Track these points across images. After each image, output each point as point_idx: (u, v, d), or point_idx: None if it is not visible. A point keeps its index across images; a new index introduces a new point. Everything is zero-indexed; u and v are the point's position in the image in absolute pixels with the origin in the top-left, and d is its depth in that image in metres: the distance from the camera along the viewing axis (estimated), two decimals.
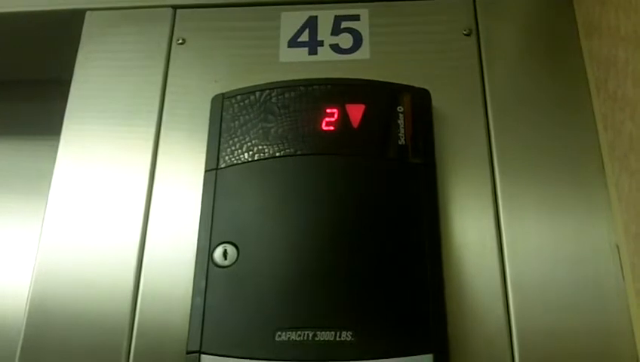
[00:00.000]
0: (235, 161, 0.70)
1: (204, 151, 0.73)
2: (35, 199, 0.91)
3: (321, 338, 0.61)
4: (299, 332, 0.62)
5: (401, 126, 0.70)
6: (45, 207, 0.75)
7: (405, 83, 0.74)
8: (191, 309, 0.65)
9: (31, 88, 1.03)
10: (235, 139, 0.71)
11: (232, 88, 0.76)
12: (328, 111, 0.71)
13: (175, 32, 0.83)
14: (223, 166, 0.70)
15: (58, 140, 0.79)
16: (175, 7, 0.85)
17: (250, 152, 0.70)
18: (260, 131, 0.71)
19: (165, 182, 0.75)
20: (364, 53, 0.80)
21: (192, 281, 0.66)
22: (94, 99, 0.81)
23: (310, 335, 0.61)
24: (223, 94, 0.75)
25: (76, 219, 0.73)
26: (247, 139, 0.71)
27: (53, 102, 0.83)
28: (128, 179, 0.75)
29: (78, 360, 0.67)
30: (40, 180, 0.80)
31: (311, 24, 0.82)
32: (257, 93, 0.74)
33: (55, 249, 0.72)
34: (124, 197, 0.74)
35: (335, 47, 0.81)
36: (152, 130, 0.78)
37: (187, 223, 0.71)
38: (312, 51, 0.81)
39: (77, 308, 0.69)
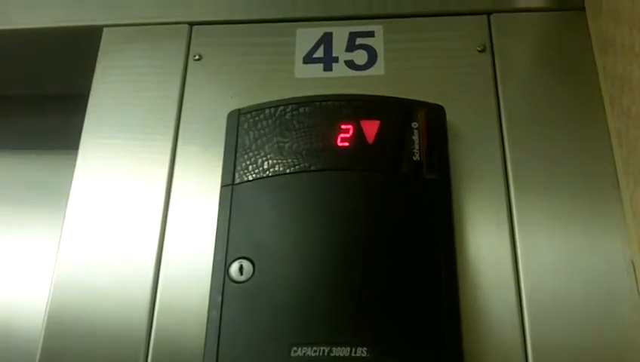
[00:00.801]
0: (250, 177, 0.71)
1: (220, 167, 0.73)
2: (52, 213, 0.92)
3: (337, 354, 0.61)
4: (314, 348, 0.62)
5: (416, 142, 0.71)
6: (63, 220, 0.75)
7: (420, 99, 0.74)
8: (207, 324, 0.65)
9: (49, 103, 1.04)
10: (251, 155, 0.72)
11: (248, 104, 0.76)
12: (343, 127, 0.71)
13: (191, 48, 0.84)
14: (238, 181, 0.71)
15: (76, 154, 0.80)
16: (191, 24, 0.86)
17: (266, 168, 0.71)
18: (276, 147, 0.72)
19: (182, 197, 0.75)
20: (378, 69, 0.80)
21: (208, 295, 0.66)
22: (111, 114, 0.82)
23: (326, 350, 0.62)
24: (239, 110, 0.75)
25: (94, 232, 0.74)
26: (262, 155, 0.71)
27: (71, 116, 0.83)
28: (145, 194, 0.76)
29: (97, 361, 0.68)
30: (58, 194, 0.80)
31: (326, 40, 0.83)
32: (273, 109, 0.74)
33: (73, 262, 0.73)
34: (141, 212, 0.75)
35: (350, 64, 0.81)
36: (169, 145, 0.78)
37: (203, 238, 0.72)
38: (327, 67, 0.81)
39: (94, 322, 0.70)
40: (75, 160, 0.79)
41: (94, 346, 0.68)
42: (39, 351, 0.69)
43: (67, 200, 0.77)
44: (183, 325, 0.68)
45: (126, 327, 0.69)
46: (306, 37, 0.83)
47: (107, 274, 0.72)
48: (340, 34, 0.83)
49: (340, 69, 0.81)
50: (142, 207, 0.75)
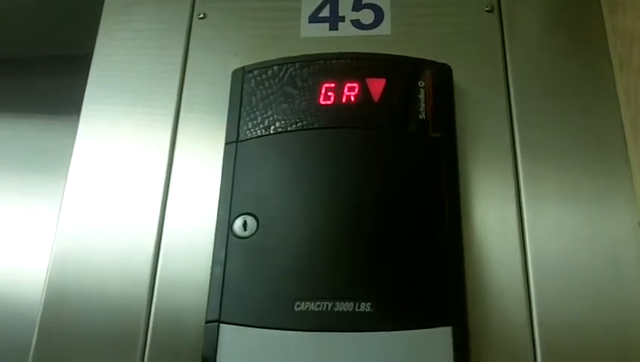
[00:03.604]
0: (255, 134, 0.70)
1: (224, 125, 0.73)
2: (54, 179, 0.91)
3: (340, 309, 0.61)
4: (318, 303, 0.62)
5: (422, 100, 0.70)
6: (64, 188, 0.75)
7: (426, 59, 0.73)
8: (210, 279, 0.65)
9: (51, 65, 1.03)
10: (256, 112, 0.71)
11: (253, 62, 0.75)
12: (349, 85, 0.71)
13: (196, 7, 0.83)
14: (243, 138, 0.70)
15: (78, 118, 0.79)
16: None
17: (270, 125, 0.70)
18: (280, 104, 0.71)
19: (185, 157, 0.75)
20: (385, 28, 0.80)
21: (210, 264, 0.66)
22: (115, 75, 0.81)
23: (329, 305, 0.61)
24: (243, 68, 0.75)
25: (95, 197, 0.73)
26: (267, 112, 0.71)
27: (74, 78, 0.83)
28: (148, 155, 0.75)
29: (96, 337, 0.67)
30: (60, 160, 0.80)
31: None
32: (278, 67, 0.74)
33: (73, 230, 0.72)
34: (144, 174, 0.74)
35: (356, 23, 0.80)
36: (172, 105, 0.78)
37: (207, 199, 0.71)
38: (333, 27, 0.80)
39: (94, 290, 0.69)
40: (77, 124, 0.79)
41: (94, 315, 0.68)
42: (38, 321, 0.68)
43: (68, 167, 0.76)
44: (184, 293, 0.68)
45: (127, 290, 0.69)
46: None
47: (108, 242, 0.71)
48: None
49: (345, 29, 0.80)
50: (145, 169, 0.74)
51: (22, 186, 0.99)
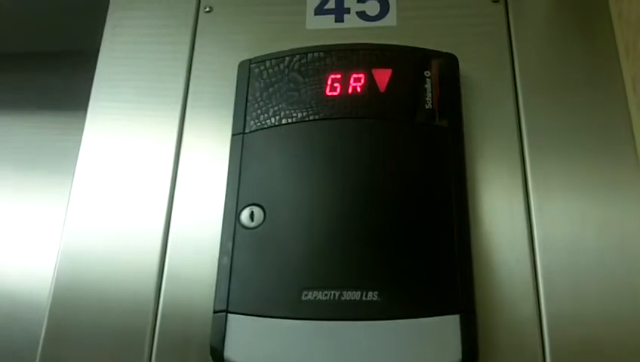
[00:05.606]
0: (261, 125, 0.70)
1: (231, 117, 0.73)
2: (61, 176, 0.92)
3: (347, 298, 0.61)
4: (325, 292, 0.62)
5: (428, 90, 0.70)
6: (71, 184, 0.75)
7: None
8: (218, 269, 0.65)
9: (57, 60, 1.03)
10: (262, 104, 0.71)
11: (259, 55, 0.75)
12: (355, 75, 0.71)
13: (202, 0, 0.84)
14: (249, 130, 0.71)
15: (85, 113, 0.79)
16: None
17: (277, 116, 0.70)
18: (287, 96, 0.71)
19: (192, 149, 0.75)
20: (391, 20, 0.80)
21: (217, 260, 0.66)
22: (122, 70, 0.81)
23: (336, 294, 0.61)
24: (249, 60, 0.75)
25: (103, 192, 0.74)
26: (273, 104, 0.71)
27: (81, 74, 0.83)
28: (155, 148, 0.75)
29: (105, 328, 0.67)
30: (67, 156, 0.80)
31: None
32: (284, 59, 0.74)
33: (81, 227, 0.72)
34: (152, 167, 0.74)
35: (362, 15, 0.80)
36: (179, 99, 0.78)
37: (214, 191, 0.71)
38: (339, 18, 0.80)
39: (103, 275, 0.69)
40: (85, 120, 0.79)
41: (102, 306, 0.68)
42: (46, 318, 0.69)
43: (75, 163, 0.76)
44: (192, 285, 0.68)
45: (135, 288, 0.69)
46: None
47: (116, 235, 0.71)
48: None
49: (351, 20, 0.80)
50: (152, 164, 0.75)
51: (27, 182, 0.99)
